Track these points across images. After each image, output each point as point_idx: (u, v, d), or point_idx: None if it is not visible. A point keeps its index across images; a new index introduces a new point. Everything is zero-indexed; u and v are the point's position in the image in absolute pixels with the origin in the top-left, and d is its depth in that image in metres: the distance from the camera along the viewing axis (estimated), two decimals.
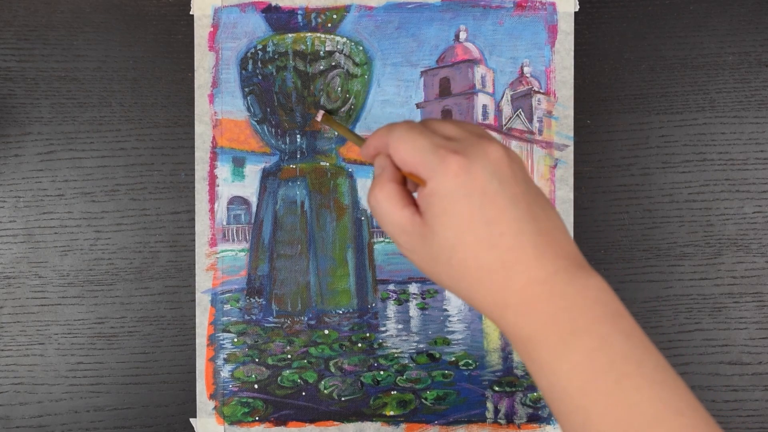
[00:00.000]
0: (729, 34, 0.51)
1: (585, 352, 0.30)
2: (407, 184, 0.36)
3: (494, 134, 0.50)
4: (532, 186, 0.34)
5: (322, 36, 0.50)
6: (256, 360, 0.50)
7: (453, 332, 0.50)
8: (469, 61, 0.50)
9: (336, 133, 0.50)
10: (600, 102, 0.51)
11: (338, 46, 0.50)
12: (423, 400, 0.50)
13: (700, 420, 0.30)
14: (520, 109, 0.50)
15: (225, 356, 0.50)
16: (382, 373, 0.50)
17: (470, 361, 0.50)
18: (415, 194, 0.35)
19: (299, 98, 0.50)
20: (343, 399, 0.50)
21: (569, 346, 0.30)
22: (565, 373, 0.30)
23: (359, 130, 0.50)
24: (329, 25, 0.50)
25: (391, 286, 0.51)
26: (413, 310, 0.50)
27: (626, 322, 0.31)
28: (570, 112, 0.50)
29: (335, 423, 0.50)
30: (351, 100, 0.50)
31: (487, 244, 0.32)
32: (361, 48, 0.50)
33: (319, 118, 0.48)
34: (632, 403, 0.29)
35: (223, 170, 0.50)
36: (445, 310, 0.50)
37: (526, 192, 0.33)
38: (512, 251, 0.31)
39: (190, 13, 0.50)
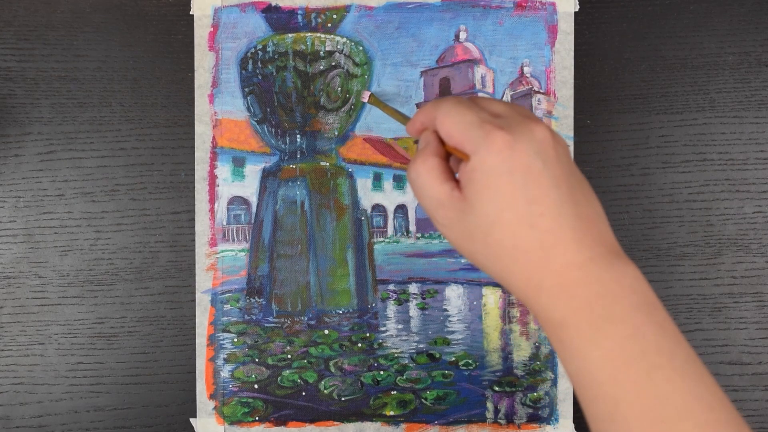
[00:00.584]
0: (729, 34, 0.51)
1: (617, 340, 0.30)
2: (451, 162, 0.36)
3: None
4: (575, 170, 0.33)
5: (322, 36, 0.50)
6: (256, 360, 0.50)
7: (453, 332, 0.50)
8: (469, 61, 0.50)
9: (336, 133, 0.50)
10: (600, 102, 0.51)
11: (338, 46, 0.50)
12: (423, 400, 0.50)
13: (730, 416, 0.29)
14: None
15: (225, 356, 0.50)
16: (382, 373, 0.50)
17: (470, 361, 0.50)
18: (457, 175, 0.35)
19: (299, 98, 0.50)
20: (343, 399, 0.50)
21: (602, 332, 0.30)
22: (595, 360, 0.30)
23: (359, 130, 0.50)
24: (329, 25, 0.50)
25: (391, 286, 0.51)
26: (413, 310, 0.50)
27: (660, 313, 0.31)
28: (570, 112, 0.50)
29: (335, 423, 0.50)
30: (351, 100, 0.50)
31: (526, 223, 0.31)
32: (361, 48, 0.50)
33: (365, 98, 0.48)
34: (662, 394, 0.29)
35: (223, 170, 0.50)
36: (445, 310, 0.50)
37: (569, 175, 0.32)
38: (551, 233, 0.31)
39: (190, 13, 0.50)
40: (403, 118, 0.42)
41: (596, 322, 0.30)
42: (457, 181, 0.34)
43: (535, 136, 0.32)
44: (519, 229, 0.31)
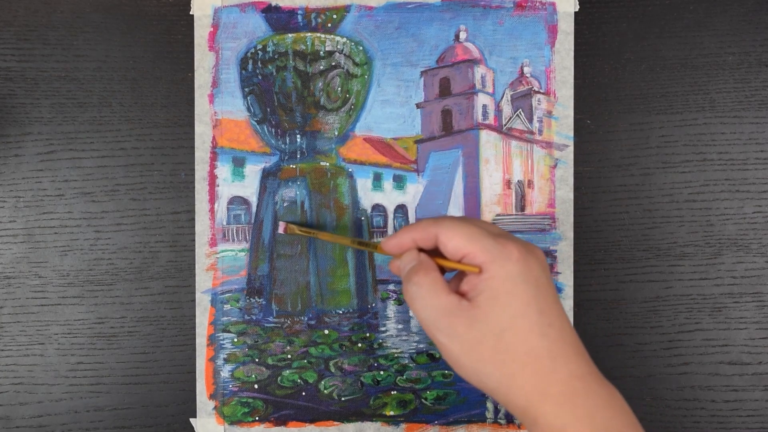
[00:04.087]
0: (729, 34, 0.51)
1: None
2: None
3: (494, 134, 0.50)
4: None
5: (322, 36, 0.50)
6: (256, 360, 0.50)
7: None
8: (469, 61, 0.50)
9: (336, 133, 0.50)
10: (600, 102, 0.51)
11: (338, 46, 0.50)
12: (423, 400, 0.50)
13: None
14: (520, 109, 0.50)
15: (225, 356, 0.50)
16: (382, 373, 0.50)
17: None
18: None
19: (299, 98, 0.50)
20: (343, 399, 0.50)
21: None
22: None
23: (359, 130, 0.50)
24: (329, 25, 0.50)
25: (391, 286, 0.51)
26: None
27: None
28: (570, 112, 0.50)
29: (335, 423, 0.50)
30: (351, 100, 0.50)
31: (537, 331, 0.33)
32: (361, 48, 0.50)
33: (281, 228, 0.49)
34: None
35: (223, 170, 0.50)
36: None
37: (556, 295, 0.35)
38: (557, 343, 0.33)
39: (190, 13, 0.50)
40: (352, 241, 0.45)
41: (596, 431, 0.32)
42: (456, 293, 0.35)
43: (537, 253, 0.35)
44: (531, 336, 0.33)
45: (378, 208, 0.51)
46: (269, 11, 0.50)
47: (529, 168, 0.50)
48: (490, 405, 0.50)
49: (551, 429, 0.33)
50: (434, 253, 0.37)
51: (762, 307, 0.51)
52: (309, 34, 0.50)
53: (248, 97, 0.50)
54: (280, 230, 0.49)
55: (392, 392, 0.50)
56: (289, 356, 0.50)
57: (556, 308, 0.34)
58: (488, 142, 0.50)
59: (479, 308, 0.34)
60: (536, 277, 0.34)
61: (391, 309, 0.50)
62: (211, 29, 0.50)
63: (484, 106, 0.50)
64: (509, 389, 0.34)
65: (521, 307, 0.33)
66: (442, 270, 0.37)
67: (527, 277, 0.34)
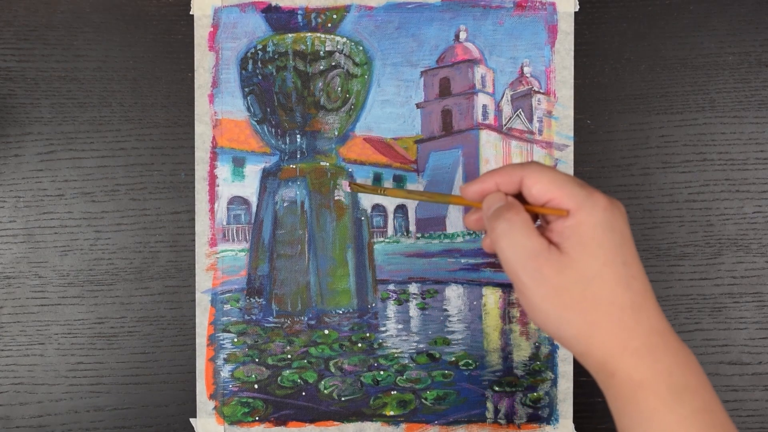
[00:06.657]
0: (729, 34, 0.51)
1: (692, 409, 0.32)
2: None
3: (494, 134, 0.50)
4: None
5: (322, 36, 0.50)
6: (256, 360, 0.50)
7: (453, 332, 0.50)
8: (469, 61, 0.50)
9: (336, 133, 0.50)
10: (600, 102, 0.51)
11: (338, 46, 0.50)
12: (423, 400, 0.50)
13: None
14: (520, 109, 0.50)
15: (225, 356, 0.50)
16: (382, 373, 0.50)
17: (470, 361, 0.50)
18: None
19: (299, 98, 0.50)
20: (343, 399, 0.50)
21: (680, 399, 0.32)
22: (671, 425, 0.32)
23: (359, 130, 0.50)
24: (329, 25, 0.50)
25: (391, 286, 0.51)
26: (413, 310, 0.50)
27: (715, 394, 0.34)
28: (570, 112, 0.50)
29: (335, 423, 0.50)
30: (351, 100, 0.50)
31: (623, 282, 0.33)
32: (361, 48, 0.50)
33: (346, 187, 0.49)
34: None
35: (223, 170, 0.50)
36: (445, 310, 0.50)
37: (636, 249, 0.35)
38: (641, 296, 0.33)
39: (190, 13, 0.50)
40: (427, 195, 0.43)
41: (676, 389, 0.32)
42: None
43: (620, 207, 0.35)
44: (617, 287, 0.33)
45: (378, 208, 0.51)
46: (269, 11, 0.50)
47: None
48: (490, 405, 0.50)
49: (629, 383, 0.33)
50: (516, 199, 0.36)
51: (762, 307, 0.51)
52: (309, 34, 0.50)
53: (248, 97, 0.50)
54: (345, 188, 0.48)
55: (392, 392, 0.50)
56: (289, 356, 0.50)
57: (638, 262, 0.34)
58: (488, 142, 0.50)
59: (567, 255, 0.33)
60: (621, 228, 0.34)
61: (391, 309, 0.50)
62: (211, 29, 0.50)
63: (484, 106, 0.50)
64: (590, 338, 0.33)
65: (609, 257, 0.33)
66: None
67: (613, 227, 0.33)
